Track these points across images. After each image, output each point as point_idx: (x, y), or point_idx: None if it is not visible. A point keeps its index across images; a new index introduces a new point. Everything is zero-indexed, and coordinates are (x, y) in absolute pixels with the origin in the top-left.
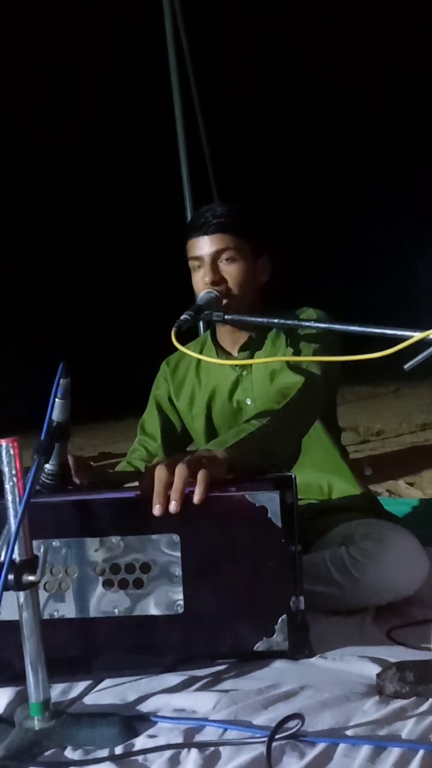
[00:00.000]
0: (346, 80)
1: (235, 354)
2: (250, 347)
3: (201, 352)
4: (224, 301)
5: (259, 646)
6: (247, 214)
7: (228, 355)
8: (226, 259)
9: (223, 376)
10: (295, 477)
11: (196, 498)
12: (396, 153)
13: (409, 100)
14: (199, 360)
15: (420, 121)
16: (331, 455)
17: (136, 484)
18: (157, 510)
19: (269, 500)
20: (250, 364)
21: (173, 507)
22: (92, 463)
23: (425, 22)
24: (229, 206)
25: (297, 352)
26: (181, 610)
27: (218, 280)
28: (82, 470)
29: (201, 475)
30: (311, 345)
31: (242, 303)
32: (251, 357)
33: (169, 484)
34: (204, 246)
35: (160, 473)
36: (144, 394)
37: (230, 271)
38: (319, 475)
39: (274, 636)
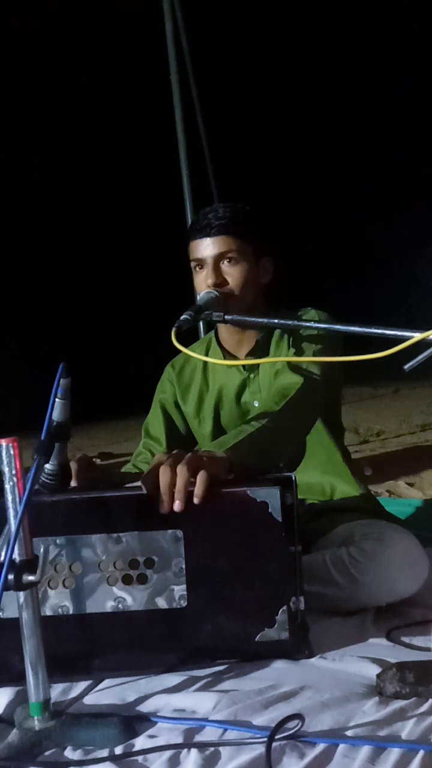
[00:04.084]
0: (346, 80)
1: (242, 357)
2: (258, 351)
3: (207, 354)
4: (226, 302)
5: (261, 637)
6: (249, 216)
7: (233, 357)
8: (228, 261)
9: (230, 378)
10: (295, 477)
11: (196, 498)
12: (396, 153)
13: (409, 100)
14: (205, 362)
15: (420, 121)
16: (333, 457)
17: (139, 483)
18: (164, 508)
19: (270, 495)
20: (258, 367)
21: (177, 506)
22: (96, 461)
23: (424, 24)
24: (231, 208)
25: (300, 353)
26: (184, 604)
27: (220, 282)
28: (87, 469)
29: (200, 476)
30: (313, 346)
31: (244, 304)
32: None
33: (173, 483)
34: (206, 248)
35: (164, 473)
36: (144, 393)
37: (232, 272)
38: (322, 477)
39: (275, 627)
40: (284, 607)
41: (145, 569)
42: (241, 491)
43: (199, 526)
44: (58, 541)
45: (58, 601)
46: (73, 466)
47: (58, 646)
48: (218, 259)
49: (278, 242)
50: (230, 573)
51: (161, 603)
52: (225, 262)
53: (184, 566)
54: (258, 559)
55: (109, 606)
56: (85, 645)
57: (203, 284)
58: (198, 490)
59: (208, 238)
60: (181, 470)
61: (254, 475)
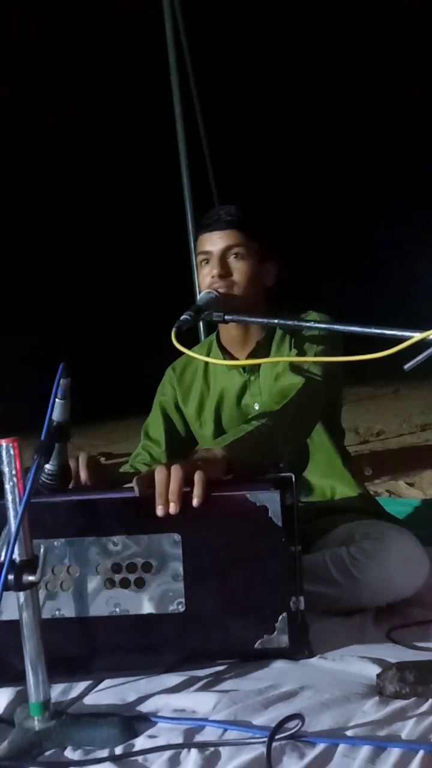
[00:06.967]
0: (346, 80)
1: (243, 360)
2: (259, 353)
3: (208, 356)
4: (226, 301)
5: (260, 644)
6: (258, 217)
7: (234, 359)
8: (235, 256)
9: (231, 380)
10: (294, 478)
11: (195, 501)
12: (396, 153)
13: (409, 100)
14: (206, 365)
15: (420, 121)
16: (333, 461)
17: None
18: (160, 510)
19: (270, 500)
20: (258, 369)
21: (172, 508)
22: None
23: (424, 24)
24: (242, 207)
25: (301, 354)
26: (182, 609)
27: (225, 273)
28: (92, 469)
29: (197, 477)
30: (314, 346)
31: (244, 302)
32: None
33: (167, 484)
34: (214, 241)
35: (159, 474)
36: (144, 394)
37: (238, 267)
38: (322, 479)
39: (275, 634)
40: (284, 614)
41: (143, 573)
42: (240, 495)
43: (198, 530)
44: (55, 544)
45: (55, 604)
46: (72, 464)
47: (55, 650)
48: (225, 251)
49: (282, 248)
50: (229, 578)
51: (159, 608)
52: (231, 256)
53: (182, 571)
54: (257, 565)
55: (106, 610)
56: (81, 649)
57: (208, 277)
58: (197, 490)
59: (217, 232)
60: (175, 472)
61: (253, 474)
